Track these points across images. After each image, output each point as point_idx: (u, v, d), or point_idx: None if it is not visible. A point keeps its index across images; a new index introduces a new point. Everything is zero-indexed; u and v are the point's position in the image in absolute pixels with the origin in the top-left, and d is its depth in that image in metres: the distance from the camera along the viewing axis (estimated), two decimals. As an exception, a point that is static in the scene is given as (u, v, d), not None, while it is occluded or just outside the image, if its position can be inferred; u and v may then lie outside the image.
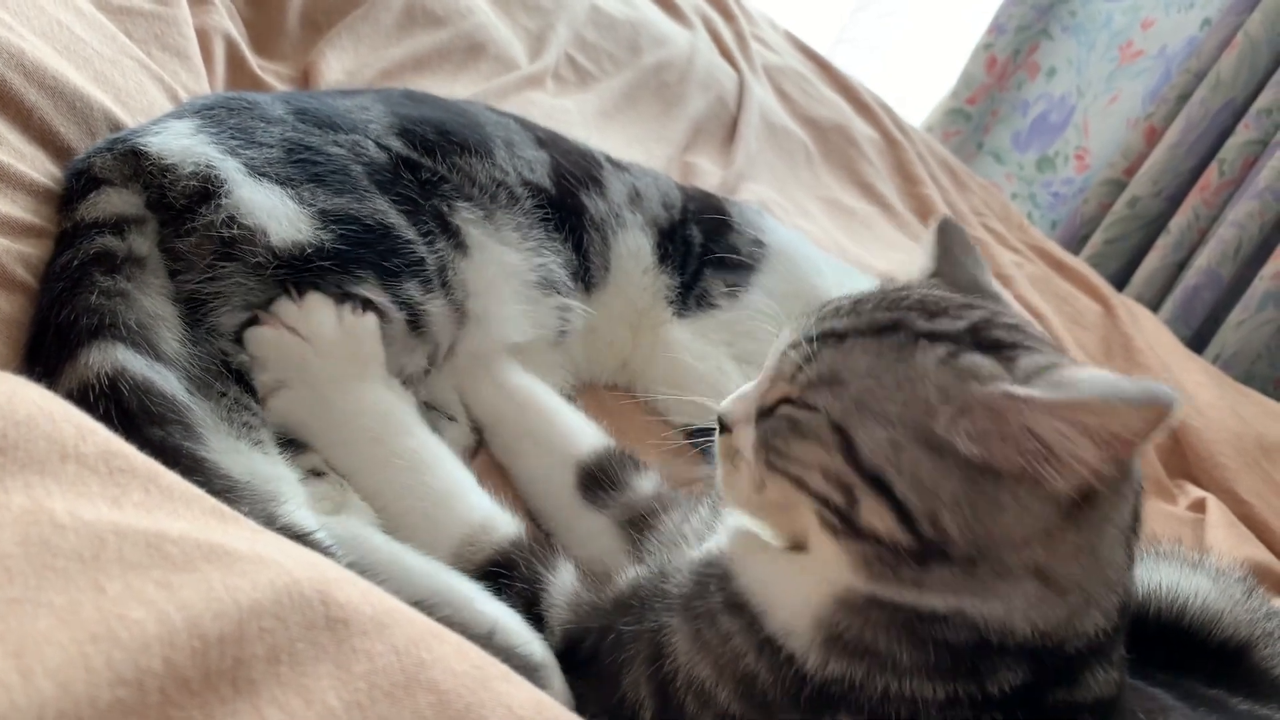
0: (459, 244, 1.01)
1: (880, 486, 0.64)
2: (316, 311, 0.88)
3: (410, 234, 0.96)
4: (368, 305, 0.91)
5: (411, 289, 0.94)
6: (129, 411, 0.70)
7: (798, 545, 0.74)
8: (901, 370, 0.65)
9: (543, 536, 0.93)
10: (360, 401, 0.90)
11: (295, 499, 0.78)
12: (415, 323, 0.95)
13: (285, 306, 0.88)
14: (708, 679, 0.71)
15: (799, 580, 0.72)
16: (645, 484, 1.00)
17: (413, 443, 0.90)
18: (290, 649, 0.46)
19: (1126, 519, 0.66)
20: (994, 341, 0.66)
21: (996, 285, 0.82)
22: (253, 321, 0.87)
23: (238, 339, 0.87)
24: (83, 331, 0.74)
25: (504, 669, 0.57)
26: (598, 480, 0.99)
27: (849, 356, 0.68)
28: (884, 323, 0.69)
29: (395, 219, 0.95)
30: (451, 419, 1.05)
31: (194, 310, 0.84)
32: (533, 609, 0.84)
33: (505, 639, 0.76)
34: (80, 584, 0.43)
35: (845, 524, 0.66)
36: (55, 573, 0.43)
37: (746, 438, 0.74)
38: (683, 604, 0.76)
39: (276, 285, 0.88)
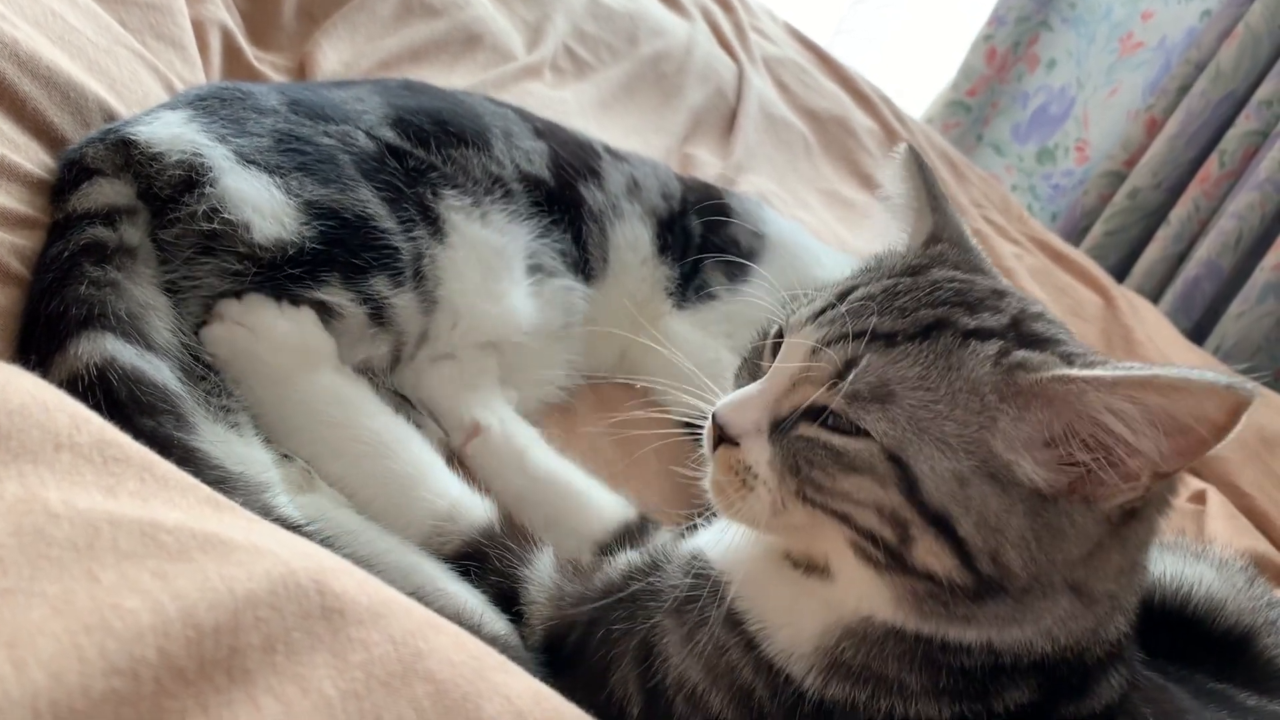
0: (437, 231, 1.00)
1: (942, 525, 0.59)
2: (257, 309, 0.87)
3: (389, 223, 0.95)
4: (320, 306, 0.90)
5: (379, 284, 0.93)
6: (119, 402, 0.70)
7: (809, 563, 0.69)
8: (954, 379, 0.60)
9: (519, 525, 0.89)
10: (314, 389, 0.88)
11: (274, 482, 0.78)
12: (378, 316, 0.94)
13: (228, 305, 0.87)
14: (700, 683, 0.69)
15: (804, 605, 0.68)
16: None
17: (373, 424, 0.87)
18: (286, 638, 0.46)
19: (1161, 525, 0.64)
20: (1035, 336, 0.63)
21: (967, 226, 0.79)
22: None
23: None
24: (71, 322, 0.73)
25: (501, 659, 0.57)
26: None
27: (898, 365, 0.60)
28: (929, 322, 0.63)
29: (375, 208, 0.94)
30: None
31: (172, 299, 0.84)
32: (511, 605, 0.81)
33: (471, 622, 0.74)
34: (74, 573, 0.42)
35: (893, 560, 0.61)
36: (49, 562, 0.42)
37: (759, 454, 0.65)
38: (675, 607, 0.72)
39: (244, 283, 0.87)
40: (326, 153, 0.94)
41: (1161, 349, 2.19)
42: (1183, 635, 0.84)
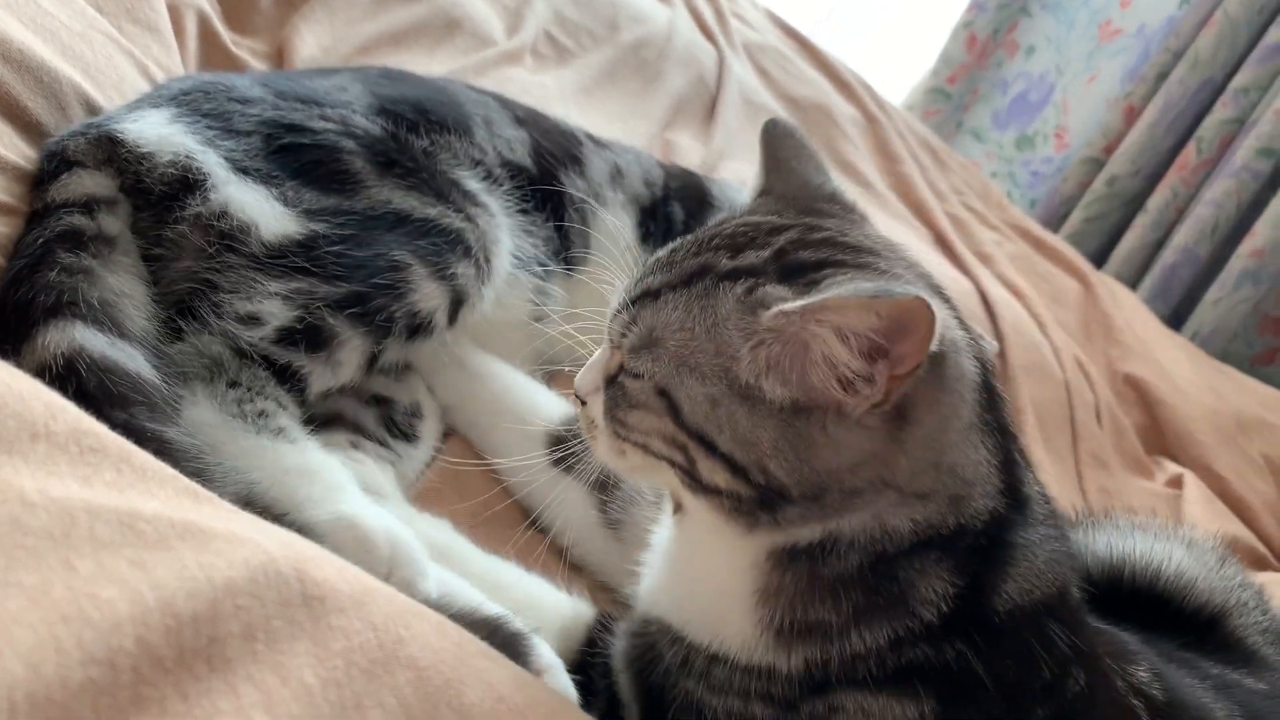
0: (490, 214, 1.01)
1: (707, 444, 0.65)
2: None
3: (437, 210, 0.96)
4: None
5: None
6: (87, 393, 0.68)
7: (677, 504, 0.76)
8: (707, 318, 0.66)
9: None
10: None
11: (340, 486, 0.78)
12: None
13: None
14: None
15: (715, 588, 0.72)
16: None
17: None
18: (266, 626, 0.45)
19: (968, 417, 0.66)
20: (799, 265, 0.67)
21: (835, 183, 0.82)
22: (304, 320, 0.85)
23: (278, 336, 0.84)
24: (39, 309, 0.72)
25: (484, 646, 0.57)
26: (566, 443, 0.99)
27: (661, 314, 0.68)
28: (692, 270, 0.69)
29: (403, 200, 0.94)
30: None
31: (204, 295, 0.83)
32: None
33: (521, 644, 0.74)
34: (51, 563, 0.42)
35: (694, 480, 0.67)
36: (25, 551, 0.42)
37: (598, 407, 0.74)
38: (684, 671, 0.75)
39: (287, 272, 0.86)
40: (328, 148, 0.93)
41: (1140, 335, 2.21)
42: (1152, 613, 0.85)
